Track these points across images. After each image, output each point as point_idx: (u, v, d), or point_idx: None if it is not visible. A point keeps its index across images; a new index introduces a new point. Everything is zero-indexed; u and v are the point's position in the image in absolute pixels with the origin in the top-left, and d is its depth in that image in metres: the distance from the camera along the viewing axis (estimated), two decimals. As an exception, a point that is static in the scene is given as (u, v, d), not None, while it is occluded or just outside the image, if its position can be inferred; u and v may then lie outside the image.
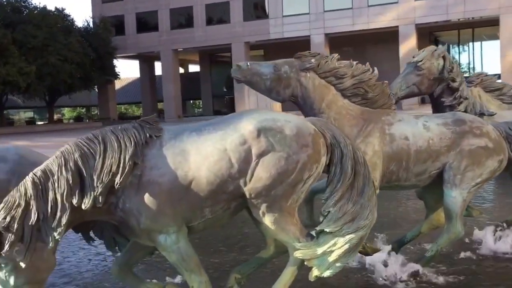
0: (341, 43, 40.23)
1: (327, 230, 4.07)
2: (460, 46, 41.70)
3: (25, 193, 3.59)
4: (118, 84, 54.04)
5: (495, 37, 38.51)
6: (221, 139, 3.93)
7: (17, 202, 3.57)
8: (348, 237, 4.06)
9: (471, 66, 42.01)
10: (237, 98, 42.21)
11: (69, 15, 43.26)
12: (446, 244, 5.34)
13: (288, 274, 4.22)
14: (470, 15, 35.83)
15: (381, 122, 5.27)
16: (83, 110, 69.88)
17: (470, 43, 40.80)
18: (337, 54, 5.58)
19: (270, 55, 46.58)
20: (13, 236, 3.49)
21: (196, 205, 3.91)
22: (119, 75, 47.94)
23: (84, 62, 41.19)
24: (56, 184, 3.63)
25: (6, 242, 3.47)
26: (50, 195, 3.61)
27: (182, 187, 3.83)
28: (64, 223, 3.60)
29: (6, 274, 3.52)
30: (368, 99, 5.37)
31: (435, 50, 6.27)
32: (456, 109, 6.09)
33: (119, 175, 3.70)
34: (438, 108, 6.36)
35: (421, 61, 6.17)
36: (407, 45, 36.49)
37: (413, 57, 6.41)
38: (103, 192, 3.68)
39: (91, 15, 47.57)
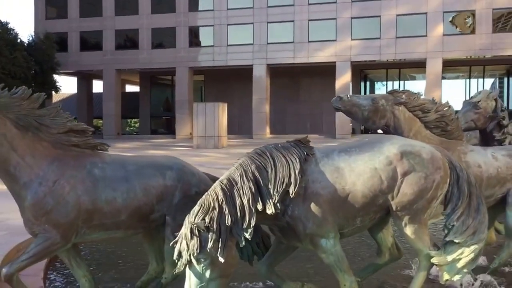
0: (280, 73, 41.69)
1: (456, 241, 4.61)
2: (388, 83, 44.38)
3: (217, 198, 3.94)
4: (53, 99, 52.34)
5: (416, 78, 41.55)
6: (370, 159, 4.46)
7: (212, 206, 3.91)
8: (472, 247, 4.61)
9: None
10: (178, 119, 42.44)
11: (13, 29, 41.47)
12: (507, 258, 5.90)
13: (420, 277, 4.75)
14: (400, 56, 37.96)
15: (457, 151, 5.87)
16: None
17: (396, 82, 43.53)
18: (420, 93, 6.18)
19: (210, 80, 47.36)
20: (214, 235, 3.79)
21: (351, 214, 4.41)
22: (60, 89, 46.46)
23: (27, 77, 39.71)
24: (241, 191, 4.01)
25: (209, 239, 3.76)
26: (237, 201, 3.98)
27: (340, 199, 4.32)
28: (253, 225, 3.95)
29: (204, 267, 3.78)
30: (447, 131, 5.99)
31: (490, 92, 6.92)
32: (504, 143, 6.74)
33: (292, 186, 4.12)
34: (487, 142, 6.95)
35: (479, 101, 6.79)
36: (343, 79, 38.34)
37: (471, 98, 7.09)
38: (279, 200, 4.09)
39: (33, 30, 46.08)
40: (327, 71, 39.56)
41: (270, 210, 4.01)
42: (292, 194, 4.12)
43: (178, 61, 42.78)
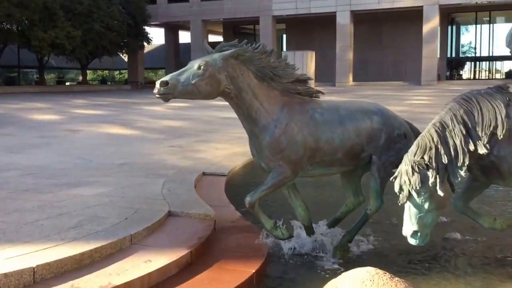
0: (363, 20, 40.74)
1: None
2: (476, 27, 42.39)
3: (432, 139, 4.15)
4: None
5: (511, 20, 39.31)
6: None
7: (428, 146, 4.12)
8: None
9: (481, 47, 43.08)
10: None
11: (107, -17, 42.89)
12: None
13: None
14: (493, -2, 36.14)
15: None
16: (106, 72, 69.77)
17: (485, 25, 41.49)
18: None
19: (292, 29, 47.18)
20: (434, 172, 4.04)
21: None
22: (151, 40, 48.04)
23: (122, 29, 41.34)
24: (452, 133, 4.19)
25: (430, 176, 4.01)
26: (450, 142, 4.16)
27: None
28: (466, 163, 4.14)
29: (423, 200, 4.05)
30: None
31: None
32: None
33: (500, 129, 4.25)
34: None
35: None
36: (430, 24, 37.02)
37: None
38: (487, 141, 4.24)
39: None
40: (412, 16, 38.24)
41: (482, 150, 4.23)
42: (500, 136, 4.30)
43: (262, 10, 42.74)
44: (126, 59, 54.40)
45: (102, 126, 15.60)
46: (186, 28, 48.67)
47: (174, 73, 4.34)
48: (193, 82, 4.24)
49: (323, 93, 4.91)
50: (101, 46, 40.51)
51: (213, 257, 4.51)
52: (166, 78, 4.23)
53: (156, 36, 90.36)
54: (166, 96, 4.20)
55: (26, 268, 3.61)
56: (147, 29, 48.16)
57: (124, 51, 47.91)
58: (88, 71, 69.63)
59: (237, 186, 7.80)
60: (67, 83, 59.09)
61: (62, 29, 36.11)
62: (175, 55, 52.18)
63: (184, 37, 54.44)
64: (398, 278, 3.81)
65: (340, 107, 4.87)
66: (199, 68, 4.29)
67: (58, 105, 24.77)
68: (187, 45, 48.81)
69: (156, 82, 4.20)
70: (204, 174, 8.16)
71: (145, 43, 48.63)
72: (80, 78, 54.68)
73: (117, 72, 69.77)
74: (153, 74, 69.73)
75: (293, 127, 4.57)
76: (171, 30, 51.74)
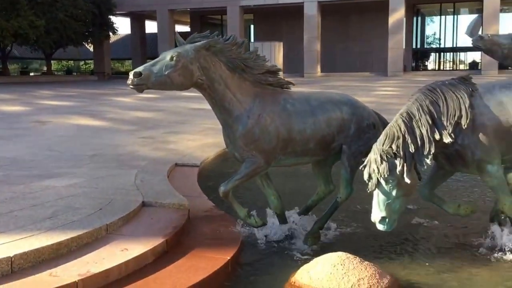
0: (330, 11, 41.04)
1: None
2: (441, 18, 43.21)
3: (400, 129, 4.33)
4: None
5: (471, 12, 40.26)
6: None
7: (396, 135, 4.30)
8: None
9: (445, 38, 44.00)
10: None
11: (72, -29, 42.00)
12: None
13: None
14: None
15: None
16: (71, 63, 68.49)
17: (450, 16, 42.33)
18: None
19: (260, 20, 47.17)
20: (402, 160, 4.22)
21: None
22: (117, 30, 47.35)
23: (87, 19, 40.66)
24: (419, 123, 4.38)
25: (398, 164, 4.20)
26: (417, 131, 4.35)
27: (504, 130, 4.60)
28: (432, 152, 4.34)
29: (391, 187, 4.23)
30: None
31: None
32: None
33: (464, 118, 4.46)
34: None
35: None
36: (396, 15, 37.47)
37: None
38: (452, 131, 4.44)
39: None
40: (378, 7, 38.70)
41: (447, 139, 4.43)
42: (464, 125, 4.49)
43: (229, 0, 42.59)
44: (91, 49, 53.52)
45: (71, 117, 15.38)
46: (152, 17, 48.08)
47: (147, 64, 4.40)
48: (166, 73, 4.31)
49: (293, 84, 5.03)
50: (66, 36, 39.72)
51: (188, 246, 4.61)
52: (140, 69, 4.29)
53: (122, 26, 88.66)
54: (140, 87, 4.27)
55: (3, 257, 3.64)
56: (113, 18, 47.44)
57: (89, 41, 47.03)
58: (52, 61, 68.29)
59: (210, 177, 7.89)
60: (31, 74, 57.85)
61: (25, 18, 35.23)
62: (141, 45, 51.52)
63: (151, 27, 53.90)
64: (367, 262, 4.02)
65: (311, 98, 4.99)
66: (171, 59, 4.36)
67: (24, 96, 24.27)
68: (153, 35, 48.31)
69: (130, 73, 4.26)
70: (176, 165, 8.20)
71: (110, 33, 47.91)
72: (45, 68, 53.55)
73: (82, 62, 68.61)
74: (120, 64, 68.90)
75: (266, 117, 4.68)
76: (137, 20, 51.01)
